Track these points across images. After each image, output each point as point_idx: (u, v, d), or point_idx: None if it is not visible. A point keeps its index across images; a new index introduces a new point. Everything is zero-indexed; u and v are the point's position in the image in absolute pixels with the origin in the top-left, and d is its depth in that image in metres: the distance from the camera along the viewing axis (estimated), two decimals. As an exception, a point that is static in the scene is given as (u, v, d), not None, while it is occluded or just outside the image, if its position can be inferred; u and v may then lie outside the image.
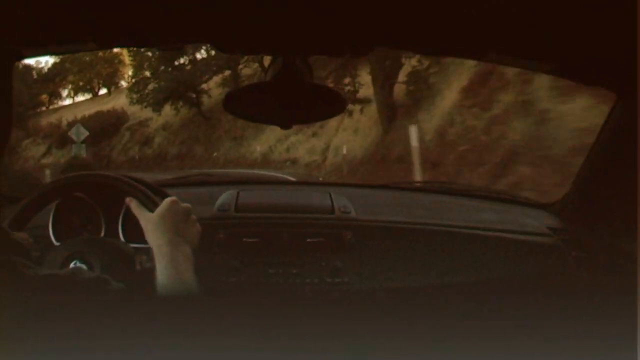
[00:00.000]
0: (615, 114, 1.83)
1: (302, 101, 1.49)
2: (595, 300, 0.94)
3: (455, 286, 1.96)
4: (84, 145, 23.79)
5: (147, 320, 0.77)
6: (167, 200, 1.56)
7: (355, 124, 23.46)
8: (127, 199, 1.60)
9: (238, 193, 2.24)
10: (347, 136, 23.92)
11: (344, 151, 21.43)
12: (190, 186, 2.50)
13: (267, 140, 30.93)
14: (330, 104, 1.50)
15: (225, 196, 2.22)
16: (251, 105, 1.48)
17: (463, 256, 2.03)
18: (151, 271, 1.49)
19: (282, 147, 30.19)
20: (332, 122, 25.27)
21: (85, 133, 23.75)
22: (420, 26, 1.41)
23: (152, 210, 1.56)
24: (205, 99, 37.61)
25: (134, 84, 39.41)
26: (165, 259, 1.39)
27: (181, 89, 36.61)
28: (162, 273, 1.37)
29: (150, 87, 37.43)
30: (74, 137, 23.66)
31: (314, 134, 27.95)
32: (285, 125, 1.56)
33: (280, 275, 1.99)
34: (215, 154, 34.02)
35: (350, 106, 20.05)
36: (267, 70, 1.49)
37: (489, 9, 1.31)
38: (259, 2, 1.27)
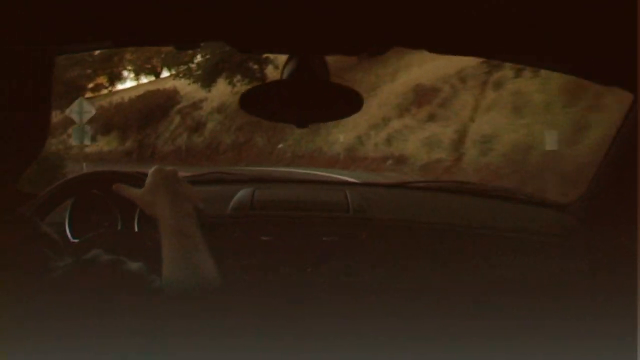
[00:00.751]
0: (632, 115, 1.82)
1: (318, 99, 1.49)
2: (611, 301, 0.94)
3: (470, 286, 1.96)
4: (88, 128, 18.35)
5: (161, 317, 0.78)
6: (151, 170, 1.50)
7: (513, 98, 15.21)
8: (115, 186, 1.54)
9: (254, 191, 2.24)
10: (500, 117, 15.43)
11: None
12: (206, 184, 2.50)
13: (355, 126, 21.12)
14: (347, 103, 1.50)
15: (241, 194, 2.22)
16: (267, 103, 1.49)
17: (478, 256, 2.02)
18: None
19: (378, 137, 20.25)
20: (460, 98, 17.50)
21: (90, 111, 18.09)
22: (436, 25, 1.41)
23: None
24: (270, 70, 28.98)
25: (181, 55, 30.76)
26: (169, 220, 1.32)
27: (237, 58, 28.73)
28: (168, 239, 1.28)
29: (199, 57, 30.74)
30: (75, 117, 17.90)
31: (431, 117, 18.46)
32: (301, 124, 1.57)
33: (295, 273, 2.00)
34: (280, 146, 25.92)
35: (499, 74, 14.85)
36: (283, 69, 1.49)
37: (506, 8, 1.30)
38: (275, 1, 1.28)
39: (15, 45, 0.83)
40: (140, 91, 39.93)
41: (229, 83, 30.75)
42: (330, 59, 1.51)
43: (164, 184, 1.43)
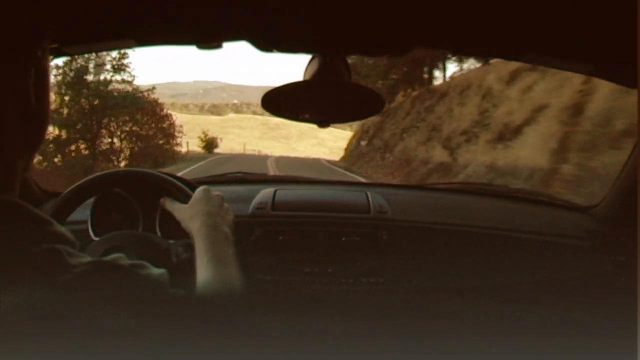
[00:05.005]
0: None
1: (339, 100, 1.49)
2: (635, 303, 0.93)
3: (491, 288, 1.95)
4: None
5: (181, 317, 0.78)
6: (200, 188, 1.59)
7: None
8: (161, 200, 1.63)
9: (275, 191, 2.25)
10: None
11: None
12: (227, 184, 2.51)
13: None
14: (367, 104, 1.50)
15: (263, 194, 2.23)
16: (289, 103, 1.49)
17: (499, 258, 2.01)
18: (188, 264, 1.51)
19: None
20: None
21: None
22: (458, 26, 1.41)
23: (186, 198, 1.60)
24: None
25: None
26: (205, 241, 1.39)
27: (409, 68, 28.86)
28: (202, 258, 1.35)
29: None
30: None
31: None
32: (322, 124, 1.57)
33: (315, 274, 2.00)
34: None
35: None
36: (305, 69, 1.49)
37: (528, 9, 1.30)
38: (297, 1, 1.28)
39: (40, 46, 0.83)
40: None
41: (403, 95, 32.37)
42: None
43: (207, 207, 1.52)
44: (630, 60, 1.47)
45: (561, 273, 2.00)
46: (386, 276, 1.99)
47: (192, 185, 1.77)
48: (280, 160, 41.85)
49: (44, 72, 0.88)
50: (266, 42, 1.44)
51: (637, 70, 1.28)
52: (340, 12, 1.31)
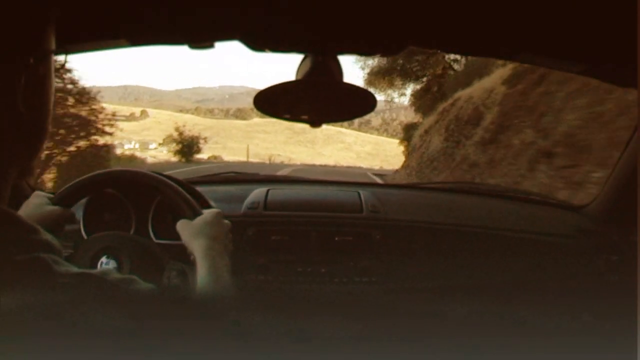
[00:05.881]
0: None
1: (331, 100, 1.49)
2: (627, 302, 0.93)
3: (484, 287, 1.95)
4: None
5: (172, 319, 0.78)
6: (214, 211, 1.62)
7: None
8: (178, 224, 1.62)
9: (268, 191, 2.25)
10: None
11: None
12: (220, 184, 2.51)
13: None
14: (360, 103, 1.50)
15: (255, 194, 2.23)
16: (282, 103, 1.49)
17: (492, 257, 2.02)
18: (180, 272, 1.52)
19: None
20: None
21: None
22: (452, 25, 1.41)
23: (194, 214, 1.61)
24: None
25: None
26: (209, 263, 1.43)
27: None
28: (203, 278, 1.40)
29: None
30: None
31: None
32: (314, 124, 1.56)
33: (308, 273, 2.00)
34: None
35: None
36: (297, 69, 1.49)
37: (520, 9, 1.30)
38: (289, 1, 1.28)
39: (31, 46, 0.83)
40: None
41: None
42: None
43: (216, 232, 1.55)
44: (624, 59, 1.47)
45: (554, 272, 2.01)
46: (379, 276, 1.99)
47: (187, 186, 1.77)
48: (300, 173, 24.25)
49: (40, 81, 0.87)
50: (258, 42, 1.44)
51: (636, 70, 1.28)
52: (332, 11, 1.31)
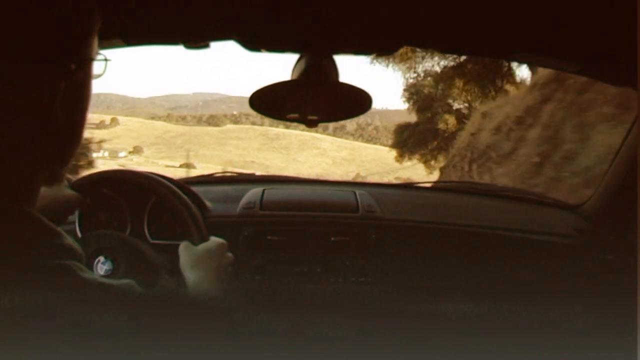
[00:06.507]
0: None
1: (327, 99, 1.49)
2: (622, 302, 0.93)
3: (480, 286, 1.95)
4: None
5: (167, 319, 0.78)
6: (219, 241, 1.59)
7: None
8: (181, 246, 1.61)
9: (264, 191, 2.24)
10: None
11: None
12: (215, 184, 2.50)
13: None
14: (355, 103, 1.50)
15: (251, 194, 2.22)
16: (277, 103, 1.48)
17: (488, 257, 2.02)
18: (174, 273, 1.51)
19: None
20: None
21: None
22: (446, 25, 1.41)
23: (200, 240, 1.60)
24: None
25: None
26: (197, 288, 1.43)
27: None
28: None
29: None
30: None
31: None
32: (310, 123, 1.56)
33: (304, 273, 2.00)
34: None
35: None
36: (293, 69, 1.49)
37: (515, 9, 1.30)
38: (283, 1, 1.27)
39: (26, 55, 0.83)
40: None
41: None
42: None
43: (216, 264, 1.54)
44: (620, 59, 1.47)
45: (549, 271, 2.01)
46: (375, 275, 1.99)
47: (183, 186, 1.77)
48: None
49: (79, 86, 0.86)
50: (254, 42, 1.44)
51: (633, 69, 1.28)
52: (328, 11, 1.30)
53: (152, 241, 1.88)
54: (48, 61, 0.79)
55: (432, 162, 35.00)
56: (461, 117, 32.70)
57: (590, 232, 2.10)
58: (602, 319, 0.87)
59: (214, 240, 1.59)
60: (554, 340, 0.81)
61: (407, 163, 35.54)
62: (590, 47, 1.45)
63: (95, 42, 0.90)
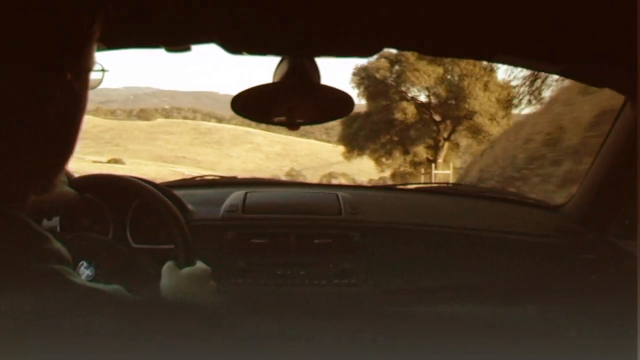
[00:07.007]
0: (623, 116, 1.83)
1: (309, 102, 1.49)
2: (603, 301, 0.94)
3: (463, 287, 1.96)
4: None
5: (150, 323, 0.78)
6: (204, 268, 1.57)
7: None
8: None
9: (246, 194, 2.23)
10: None
11: None
12: (197, 187, 2.49)
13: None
14: (337, 105, 1.50)
15: (233, 197, 2.21)
16: (258, 105, 1.48)
17: (470, 257, 2.03)
18: (156, 278, 1.50)
19: None
20: None
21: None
22: (428, 27, 1.41)
23: (185, 263, 1.57)
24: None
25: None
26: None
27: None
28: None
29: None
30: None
31: None
32: (292, 126, 1.56)
33: (288, 276, 1.99)
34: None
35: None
36: (274, 71, 1.49)
37: (497, 10, 1.31)
38: (265, 3, 1.27)
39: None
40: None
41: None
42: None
43: (200, 289, 1.51)
44: (600, 60, 1.49)
45: (531, 271, 2.02)
46: (358, 277, 1.99)
47: (164, 190, 1.76)
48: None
49: (75, 96, 0.86)
50: (235, 45, 1.43)
51: (610, 70, 1.30)
52: (309, 14, 1.31)
53: (134, 245, 1.87)
54: (44, 70, 0.79)
55: (385, 160, 33.66)
56: (421, 106, 31.91)
57: (571, 232, 2.11)
58: (583, 317, 0.88)
59: (199, 266, 1.56)
60: (532, 339, 0.81)
61: (356, 160, 34.58)
62: (572, 48, 1.46)
63: (93, 52, 0.89)
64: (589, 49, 1.44)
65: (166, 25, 1.38)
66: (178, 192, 1.88)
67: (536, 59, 1.57)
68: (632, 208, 1.85)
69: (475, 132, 30.75)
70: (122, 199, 1.89)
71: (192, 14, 1.32)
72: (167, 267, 1.53)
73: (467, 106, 30.11)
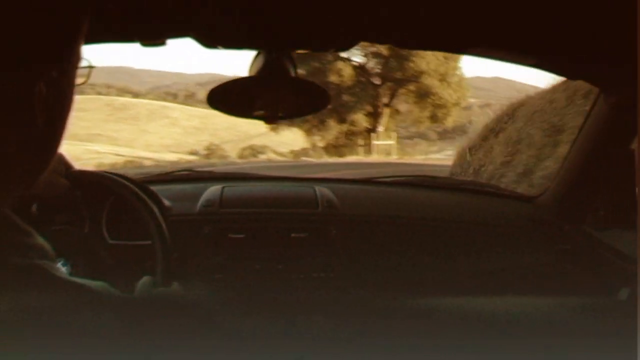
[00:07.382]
0: (597, 108, 1.85)
1: (285, 96, 1.49)
2: (578, 292, 0.95)
3: (440, 279, 1.97)
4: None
5: (130, 322, 0.77)
6: (178, 292, 1.53)
7: None
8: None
9: (223, 188, 2.23)
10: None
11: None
12: (174, 182, 2.48)
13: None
14: (313, 99, 1.50)
15: (210, 192, 2.21)
16: (235, 100, 1.48)
17: (447, 249, 2.04)
18: (133, 276, 1.49)
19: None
20: None
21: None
22: (404, 20, 1.41)
23: (162, 282, 1.56)
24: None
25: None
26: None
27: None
28: None
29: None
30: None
31: None
32: (269, 120, 1.56)
33: (266, 270, 1.99)
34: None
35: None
36: (250, 65, 1.49)
37: (470, 2, 1.31)
38: None
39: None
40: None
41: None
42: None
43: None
44: (570, 52, 1.50)
45: (507, 262, 2.04)
46: (337, 271, 2.00)
47: (141, 185, 1.75)
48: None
49: (61, 94, 0.84)
50: (211, 39, 1.43)
51: (584, 62, 1.31)
52: (284, 8, 1.30)
53: (110, 242, 1.86)
54: (29, 67, 0.77)
55: (317, 130, 30.55)
56: (359, 67, 29.38)
57: (547, 223, 2.13)
58: (559, 308, 0.89)
59: (175, 289, 1.55)
60: (508, 330, 0.82)
61: (284, 132, 32.04)
62: (545, 40, 1.47)
63: (80, 48, 0.88)
64: (562, 41, 1.45)
65: (142, 20, 1.37)
66: (155, 188, 1.87)
67: (510, 51, 1.58)
68: (607, 198, 1.87)
69: (422, 95, 28.44)
70: (98, 195, 1.88)
71: (167, 9, 1.31)
72: (143, 282, 1.51)
73: (412, 65, 27.67)
